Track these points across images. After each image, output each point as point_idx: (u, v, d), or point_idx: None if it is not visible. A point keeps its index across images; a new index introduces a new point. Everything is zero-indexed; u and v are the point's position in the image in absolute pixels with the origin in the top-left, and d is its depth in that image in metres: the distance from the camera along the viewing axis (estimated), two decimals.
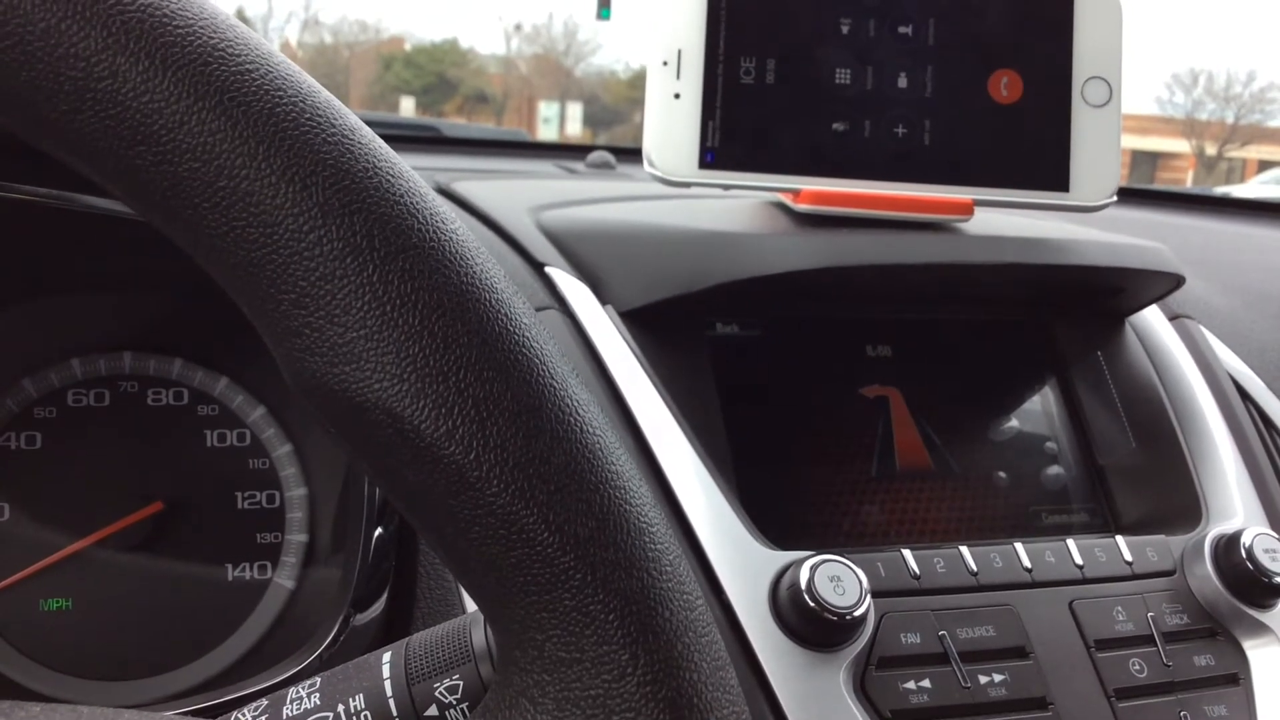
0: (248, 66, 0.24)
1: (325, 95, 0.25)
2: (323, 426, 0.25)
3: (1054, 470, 0.61)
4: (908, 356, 0.61)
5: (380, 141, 0.26)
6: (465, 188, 0.75)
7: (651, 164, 0.55)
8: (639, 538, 0.24)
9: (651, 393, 0.53)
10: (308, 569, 0.53)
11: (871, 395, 0.60)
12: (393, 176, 0.25)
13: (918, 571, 0.50)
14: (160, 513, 0.51)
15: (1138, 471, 0.61)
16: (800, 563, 0.47)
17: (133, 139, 0.23)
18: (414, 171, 0.26)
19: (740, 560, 0.48)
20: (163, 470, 0.53)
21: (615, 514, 0.24)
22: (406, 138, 1.19)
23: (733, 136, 0.55)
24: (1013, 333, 0.64)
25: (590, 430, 0.25)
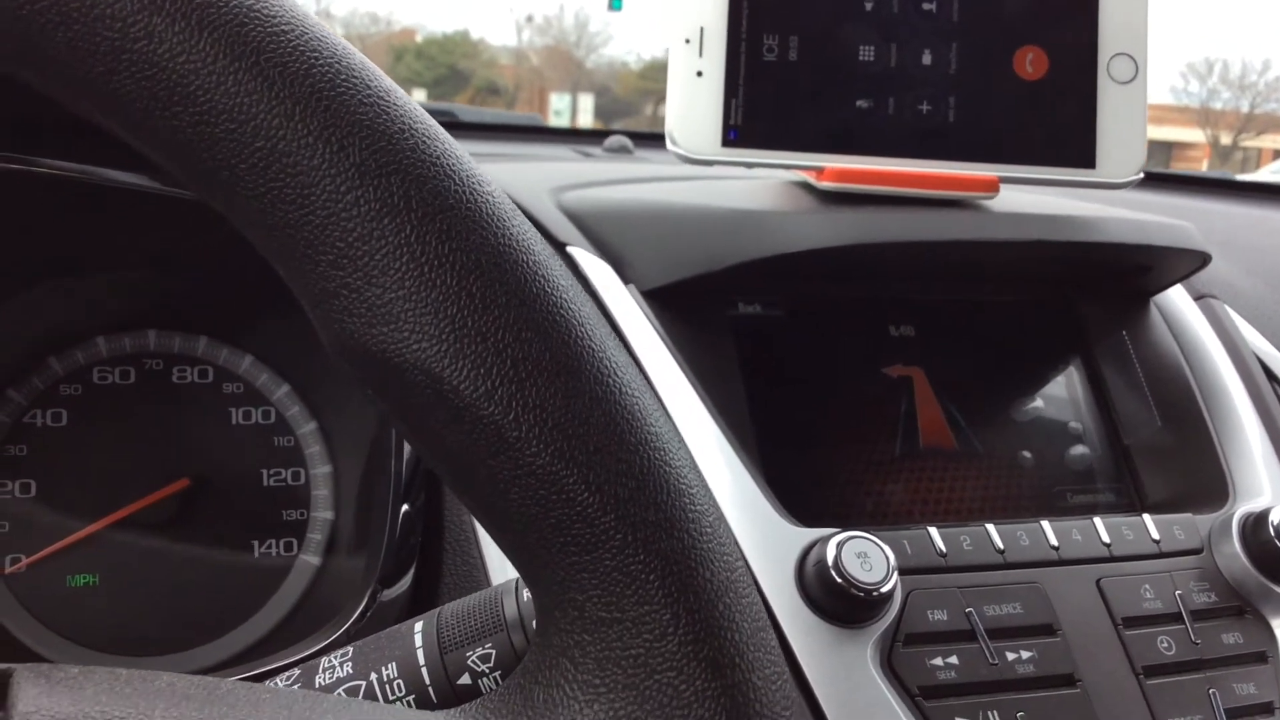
0: (283, 27, 0.24)
1: (360, 57, 0.25)
2: (360, 389, 0.25)
3: (1079, 450, 0.61)
4: (931, 336, 0.61)
5: (415, 103, 0.26)
6: (484, 170, 0.75)
7: (674, 142, 0.54)
8: (679, 499, 0.24)
9: (675, 372, 0.53)
10: (333, 546, 0.53)
11: (895, 375, 0.59)
12: (428, 138, 0.25)
13: (944, 549, 0.50)
14: (187, 489, 0.51)
15: (1164, 451, 0.60)
16: (827, 539, 0.46)
17: (169, 100, 0.23)
18: (449, 134, 0.26)
19: (766, 537, 0.48)
20: (188, 448, 0.53)
21: (655, 474, 0.24)
22: None
23: (755, 114, 0.55)
24: (1037, 312, 0.64)
25: (629, 392, 0.25)
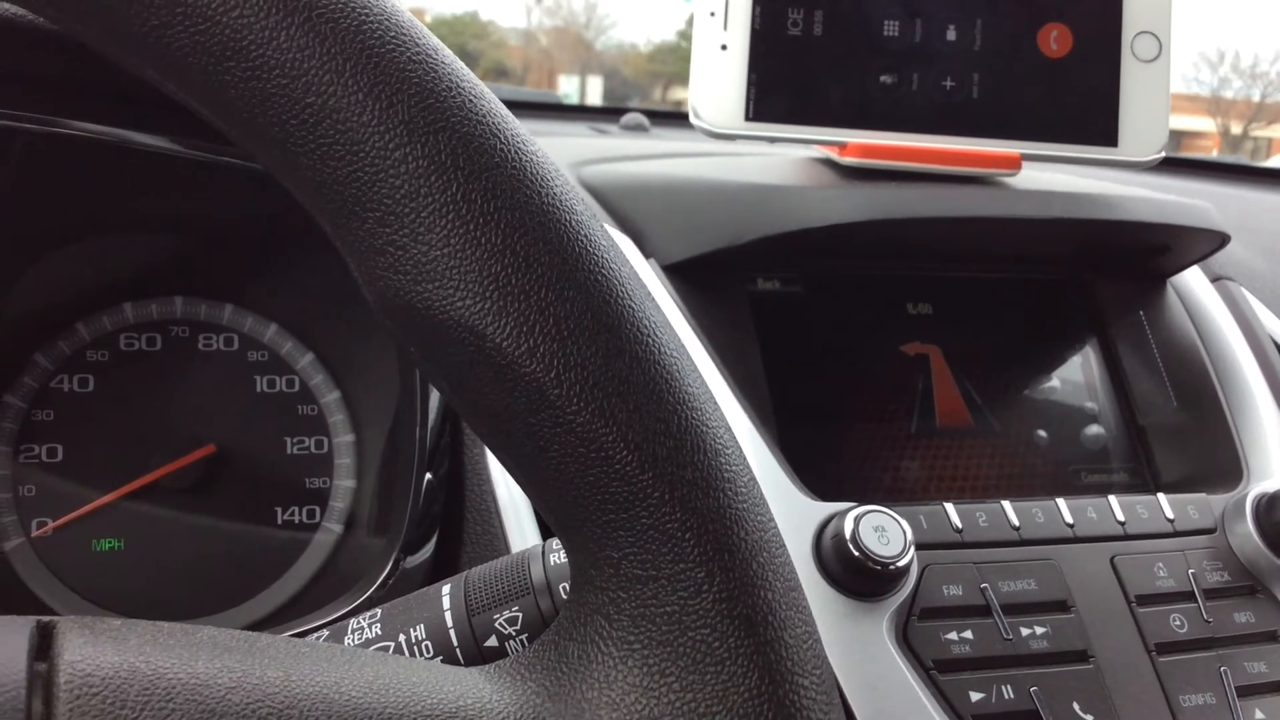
0: None
1: (408, 15, 0.25)
2: (403, 347, 0.25)
3: (1094, 430, 0.61)
4: (949, 314, 0.61)
5: (460, 62, 0.26)
6: None
7: (697, 116, 0.55)
8: (715, 458, 0.25)
9: (695, 346, 0.53)
10: (356, 514, 0.53)
11: (912, 353, 0.60)
12: (475, 97, 0.25)
13: (960, 525, 0.50)
14: (211, 456, 0.52)
15: (1179, 431, 0.61)
16: (844, 513, 0.47)
17: (222, 54, 0.23)
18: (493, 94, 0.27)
19: (784, 511, 0.48)
20: (213, 415, 0.53)
21: (693, 434, 0.24)
22: None
23: (779, 88, 0.55)
24: (1054, 292, 0.64)
25: (667, 351, 0.25)
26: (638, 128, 0.99)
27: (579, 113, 1.23)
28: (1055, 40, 0.56)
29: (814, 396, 0.57)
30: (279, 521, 0.53)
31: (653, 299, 0.26)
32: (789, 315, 0.58)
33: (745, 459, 0.26)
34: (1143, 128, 0.56)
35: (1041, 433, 0.60)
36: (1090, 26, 0.56)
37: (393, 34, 0.24)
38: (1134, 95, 0.56)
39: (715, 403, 0.26)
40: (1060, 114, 0.56)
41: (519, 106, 1.22)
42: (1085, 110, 0.56)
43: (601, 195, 0.63)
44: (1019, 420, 0.60)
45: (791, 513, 0.49)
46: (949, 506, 0.51)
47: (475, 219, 0.24)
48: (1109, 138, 0.56)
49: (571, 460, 0.24)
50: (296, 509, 0.53)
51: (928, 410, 0.58)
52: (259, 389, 0.54)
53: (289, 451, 0.54)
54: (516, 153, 0.25)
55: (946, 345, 0.60)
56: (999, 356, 0.62)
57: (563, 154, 0.72)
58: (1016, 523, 0.51)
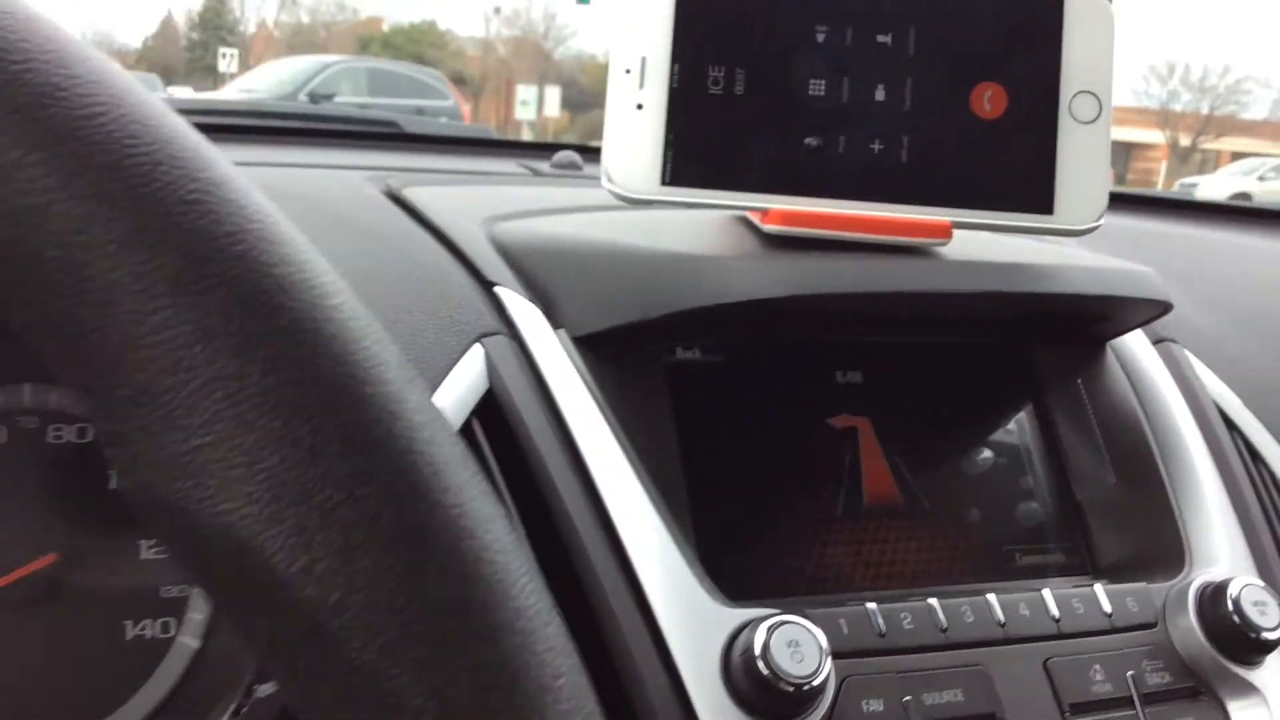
0: (95, 109, 0.20)
1: (193, 139, 0.21)
2: (163, 547, 0.21)
3: (1030, 506, 0.58)
4: (879, 383, 0.58)
5: (258, 195, 0.21)
6: (417, 194, 0.71)
7: (610, 180, 0.51)
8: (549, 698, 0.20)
9: (602, 427, 0.49)
10: (214, 627, 0.48)
11: (840, 426, 0.56)
12: (265, 241, 0.20)
13: (884, 629, 0.47)
14: (53, 565, 0.47)
15: (1118, 508, 0.58)
16: (756, 624, 0.43)
17: None
18: (296, 230, 0.22)
19: (691, 618, 0.45)
20: (60, 517, 0.48)
21: (522, 673, 0.20)
22: (365, 134, 1.14)
23: (698, 151, 0.51)
24: (989, 357, 0.61)
25: (488, 559, 0.21)
26: (570, 165, 0.95)
27: (512, 148, 1.19)
28: (989, 100, 0.53)
29: (733, 477, 0.53)
30: (128, 636, 0.48)
31: (486, 494, 0.21)
32: (709, 387, 0.55)
33: (579, 672, 0.22)
34: (1080, 194, 0.53)
35: (974, 511, 0.57)
36: (1026, 86, 0.53)
37: (164, 168, 0.20)
38: (1072, 159, 0.53)
39: (559, 624, 0.22)
40: (994, 179, 0.53)
41: (451, 143, 1.17)
42: (1020, 175, 0.53)
43: (513, 257, 0.58)
44: (951, 498, 0.56)
45: (700, 621, 0.45)
46: (872, 606, 0.47)
47: (249, 399, 0.19)
48: (1045, 205, 0.53)
49: (350, 707, 0.20)
50: (149, 622, 0.48)
51: (855, 489, 0.55)
52: (112, 485, 0.49)
53: (142, 556, 0.49)
54: (311, 311, 0.20)
55: (877, 417, 0.57)
56: (932, 428, 0.59)
57: (479, 206, 0.68)
58: (944, 624, 0.48)
